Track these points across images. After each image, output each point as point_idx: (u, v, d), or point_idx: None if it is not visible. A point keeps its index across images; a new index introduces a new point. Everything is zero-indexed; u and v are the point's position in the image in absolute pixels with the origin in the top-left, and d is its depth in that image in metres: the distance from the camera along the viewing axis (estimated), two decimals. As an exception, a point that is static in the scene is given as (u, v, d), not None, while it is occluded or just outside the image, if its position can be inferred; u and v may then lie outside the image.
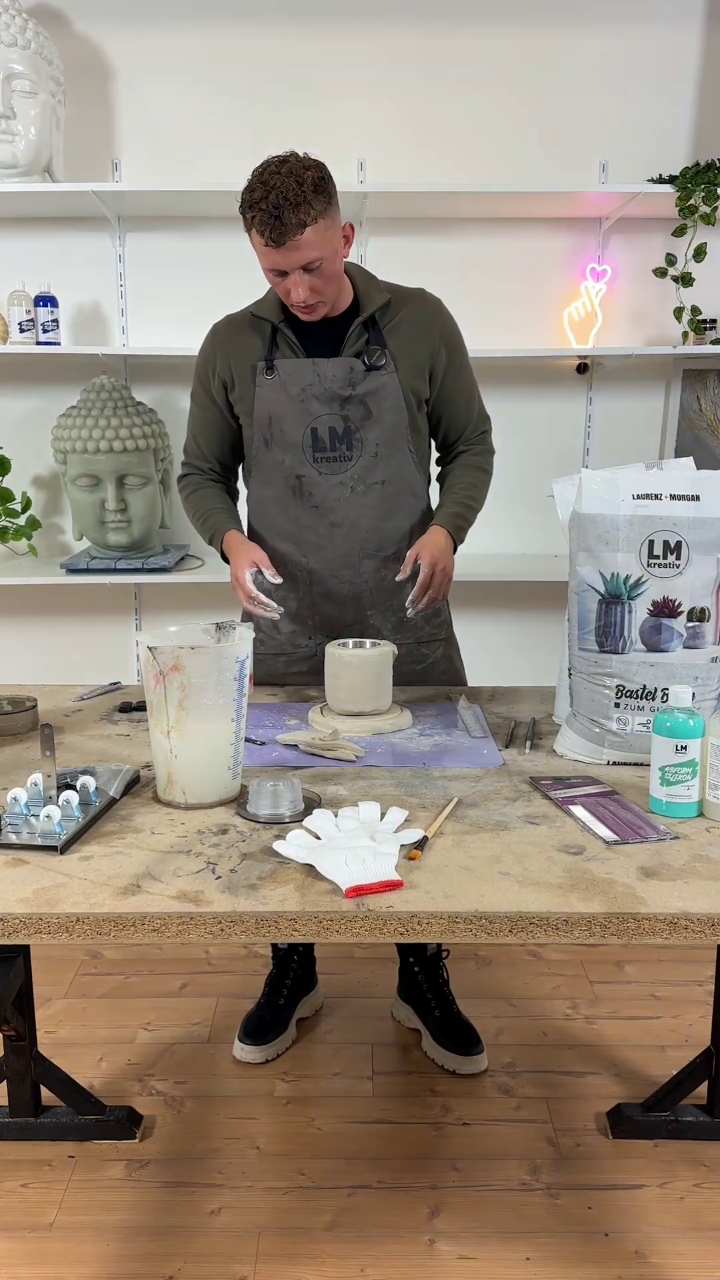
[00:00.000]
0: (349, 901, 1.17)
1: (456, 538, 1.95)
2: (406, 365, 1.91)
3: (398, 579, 1.88)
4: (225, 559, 1.99)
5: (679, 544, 1.52)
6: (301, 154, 1.74)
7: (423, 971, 2.20)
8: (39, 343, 2.97)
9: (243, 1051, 2.16)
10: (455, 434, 2.04)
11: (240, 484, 2.09)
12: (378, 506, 1.96)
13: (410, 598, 1.85)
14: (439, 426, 2.03)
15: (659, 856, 1.28)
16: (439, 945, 2.21)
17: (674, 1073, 1.98)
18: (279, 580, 1.87)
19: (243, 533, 2.00)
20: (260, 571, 1.86)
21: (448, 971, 2.22)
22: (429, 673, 2.08)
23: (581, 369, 3.20)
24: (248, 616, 2.07)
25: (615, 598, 1.54)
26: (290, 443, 1.92)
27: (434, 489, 2.06)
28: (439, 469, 2.09)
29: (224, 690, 1.42)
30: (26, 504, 3.04)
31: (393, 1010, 2.32)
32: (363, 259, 3.06)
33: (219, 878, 1.23)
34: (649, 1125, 1.94)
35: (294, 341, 1.90)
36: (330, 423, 1.91)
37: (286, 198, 1.68)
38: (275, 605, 1.85)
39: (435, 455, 2.10)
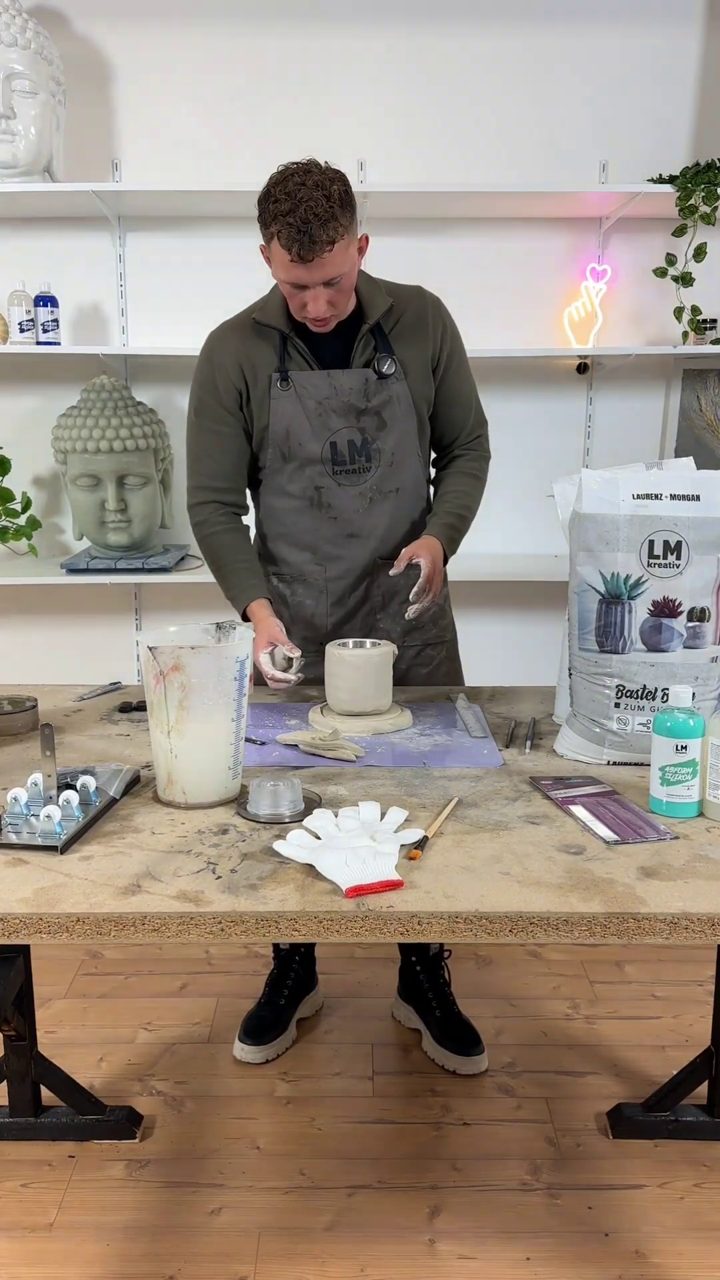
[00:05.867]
0: (349, 901, 1.17)
1: (449, 549, 1.93)
2: (413, 369, 1.90)
3: (390, 573, 1.87)
4: (245, 618, 1.92)
5: (679, 544, 1.52)
6: (323, 164, 1.69)
7: (424, 971, 2.20)
8: (39, 343, 2.98)
9: (243, 1051, 2.16)
10: (452, 435, 2.03)
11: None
12: (393, 514, 1.95)
13: (414, 592, 1.81)
14: (437, 426, 2.02)
15: (659, 856, 1.28)
16: (441, 945, 2.21)
17: (674, 1073, 1.98)
18: (297, 653, 1.79)
19: (268, 600, 1.91)
20: (274, 648, 1.80)
21: (449, 971, 2.22)
22: (434, 675, 2.09)
23: (581, 369, 3.20)
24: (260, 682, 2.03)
25: (615, 598, 1.54)
26: (310, 457, 1.90)
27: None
28: (435, 472, 2.08)
29: (224, 690, 1.42)
30: (26, 504, 3.04)
31: (393, 1010, 2.31)
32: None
33: (219, 878, 1.23)
34: (649, 1125, 1.94)
35: (305, 352, 1.87)
36: (349, 436, 1.89)
37: (315, 213, 1.62)
38: (292, 676, 1.78)
39: (432, 457, 2.09)
